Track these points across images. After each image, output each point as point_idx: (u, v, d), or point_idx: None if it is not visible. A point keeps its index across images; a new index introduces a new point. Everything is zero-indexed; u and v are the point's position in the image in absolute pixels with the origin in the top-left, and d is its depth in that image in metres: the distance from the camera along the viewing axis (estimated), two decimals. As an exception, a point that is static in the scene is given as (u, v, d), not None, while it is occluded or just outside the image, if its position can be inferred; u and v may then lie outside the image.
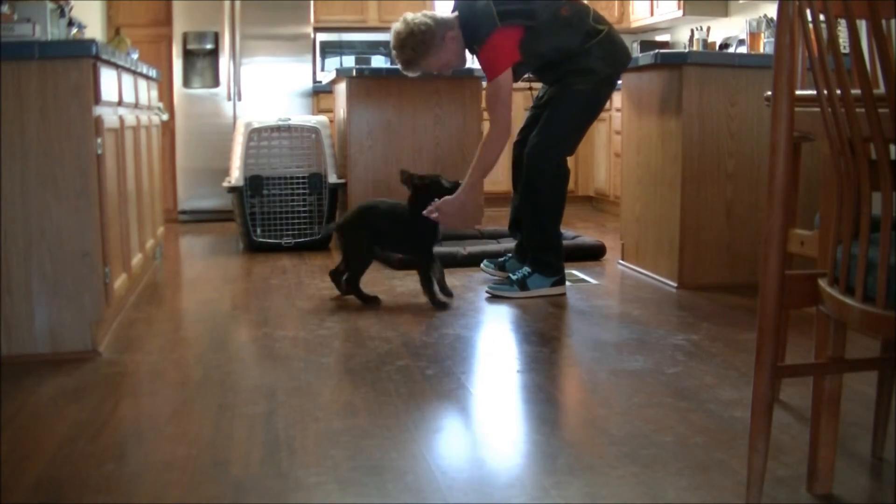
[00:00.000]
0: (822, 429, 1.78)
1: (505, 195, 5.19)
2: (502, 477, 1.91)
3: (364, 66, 5.40)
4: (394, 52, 3.74)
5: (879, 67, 1.37)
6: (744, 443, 2.05)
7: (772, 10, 5.82)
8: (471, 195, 3.64)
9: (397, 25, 3.70)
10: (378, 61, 7.21)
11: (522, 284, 3.77)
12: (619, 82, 4.22)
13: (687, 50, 5.10)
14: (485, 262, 4.21)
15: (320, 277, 4.25)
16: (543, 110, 3.81)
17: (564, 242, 3.99)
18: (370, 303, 3.65)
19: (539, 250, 3.81)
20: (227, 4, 6.57)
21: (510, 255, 4.15)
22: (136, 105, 3.89)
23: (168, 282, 4.32)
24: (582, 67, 3.69)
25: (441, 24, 3.65)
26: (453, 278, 4.19)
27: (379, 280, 4.16)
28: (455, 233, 5.08)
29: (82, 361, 2.83)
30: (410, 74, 3.84)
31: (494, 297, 3.75)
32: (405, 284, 4.06)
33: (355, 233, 3.69)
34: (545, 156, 3.71)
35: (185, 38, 6.56)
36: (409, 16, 3.68)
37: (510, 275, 3.85)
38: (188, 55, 6.60)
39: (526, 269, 3.81)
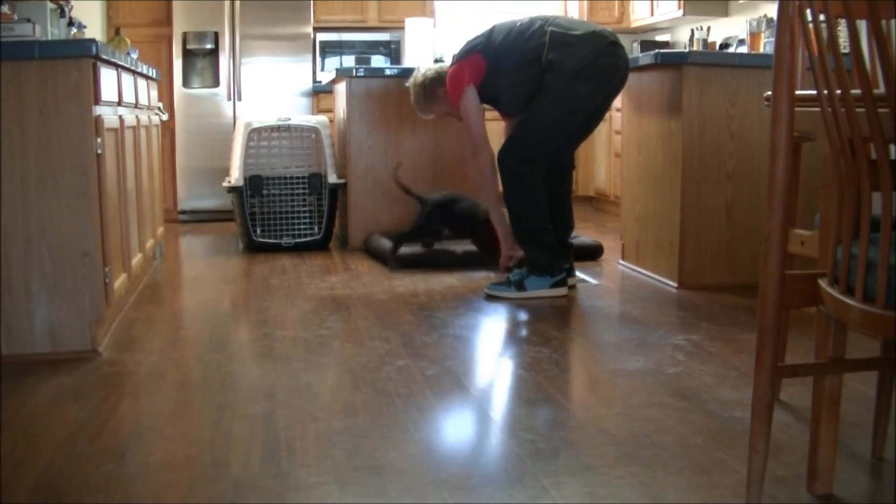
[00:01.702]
0: (822, 429, 1.78)
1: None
2: (502, 477, 1.91)
3: (364, 66, 5.40)
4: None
5: (879, 67, 1.37)
6: (744, 443, 2.05)
7: (772, 10, 5.82)
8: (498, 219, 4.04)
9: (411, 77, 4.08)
10: (378, 61, 7.21)
11: (520, 285, 3.76)
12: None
13: (687, 50, 5.10)
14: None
15: (320, 277, 4.25)
16: None
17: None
18: (397, 259, 4.43)
19: (527, 248, 3.81)
20: (227, 4, 6.57)
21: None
22: (136, 105, 3.89)
23: (168, 282, 4.32)
24: (551, 67, 3.66)
25: (440, 77, 3.97)
26: (453, 278, 4.19)
27: (378, 280, 4.16)
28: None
29: (82, 361, 2.83)
30: (424, 117, 4.20)
31: (492, 298, 3.76)
32: (405, 284, 4.06)
33: (431, 219, 4.45)
34: (503, 152, 3.74)
35: (185, 38, 6.56)
36: (421, 69, 4.02)
37: (509, 275, 3.85)
38: (188, 55, 6.60)
39: (524, 270, 3.81)
